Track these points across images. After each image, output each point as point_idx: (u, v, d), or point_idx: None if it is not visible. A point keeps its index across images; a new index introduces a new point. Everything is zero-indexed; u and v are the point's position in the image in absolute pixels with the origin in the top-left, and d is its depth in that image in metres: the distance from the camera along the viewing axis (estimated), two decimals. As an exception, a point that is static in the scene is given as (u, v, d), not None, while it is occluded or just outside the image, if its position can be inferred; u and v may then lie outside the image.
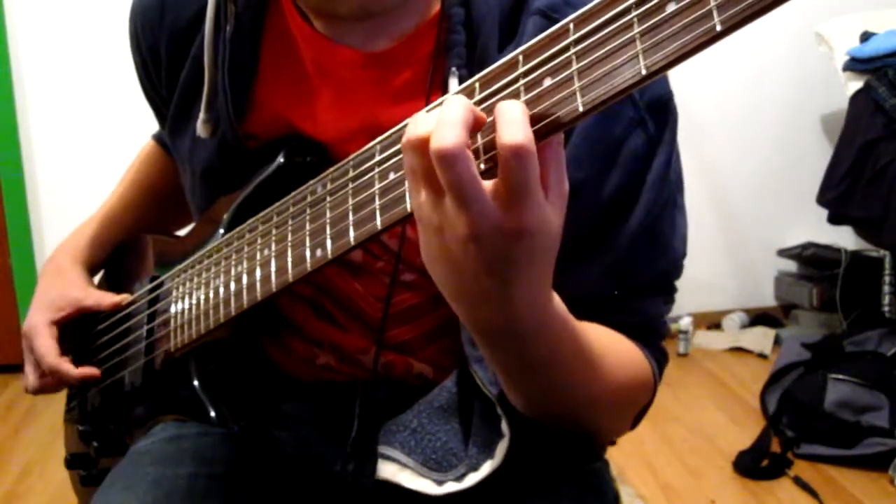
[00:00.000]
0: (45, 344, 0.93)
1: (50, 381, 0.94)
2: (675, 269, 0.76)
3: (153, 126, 0.96)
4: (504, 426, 0.72)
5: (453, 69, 0.70)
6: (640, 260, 0.73)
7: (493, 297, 0.54)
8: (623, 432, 0.80)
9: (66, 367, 0.93)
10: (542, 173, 0.50)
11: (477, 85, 0.52)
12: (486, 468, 0.73)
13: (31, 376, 0.95)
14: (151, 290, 0.89)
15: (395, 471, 0.77)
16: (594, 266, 0.72)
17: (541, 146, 0.49)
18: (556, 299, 0.60)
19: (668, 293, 0.77)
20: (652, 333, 0.76)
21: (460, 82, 0.69)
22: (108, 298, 0.94)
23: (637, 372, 0.73)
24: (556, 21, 0.69)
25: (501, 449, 0.72)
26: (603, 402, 0.71)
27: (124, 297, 0.93)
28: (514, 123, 0.46)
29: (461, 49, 0.70)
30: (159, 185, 1.05)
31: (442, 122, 0.47)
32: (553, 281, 0.67)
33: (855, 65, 2.50)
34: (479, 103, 0.52)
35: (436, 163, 0.47)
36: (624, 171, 0.70)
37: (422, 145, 0.48)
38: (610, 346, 0.70)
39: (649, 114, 0.70)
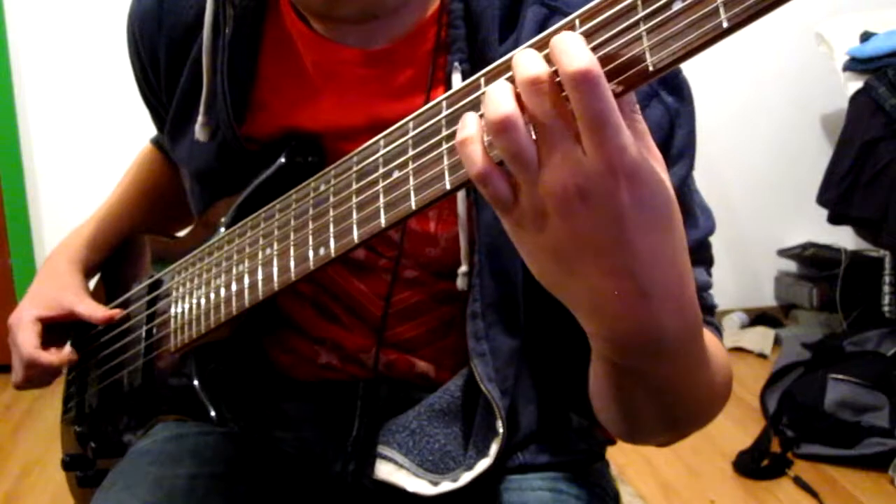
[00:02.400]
0: (25, 334, 0.93)
1: (34, 374, 0.94)
2: (709, 239, 0.73)
3: (152, 127, 0.96)
4: (499, 424, 0.72)
5: (455, 64, 0.69)
6: None
7: (620, 274, 0.47)
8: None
9: (43, 355, 0.92)
10: (643, 129, 0.46)
11: (482, 80, 0.52)
12: (480, 466, 0.73)
13: (15, 370, 0.95)
14: (150, 291, 0.89)
15: (391, 470, 0.77)
16: None
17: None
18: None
19: (708, 262, 0.74)
20: (705, 309, 0.70)
21: (463, 76, 0.69)
22: (101, 312, 0.93)
23: (726, 356, 0.68)
24: (556, 10, 0.69)
25: (495, 447, 0.73)
26: (711, 402, 0.65)
27: (117, 312, 0.93)
28: (571, 49, 0.43)
29: (462, 44, 0.70)
30: (156, 188, 1.04)
31: (564, 48, 0.43)
32: None
33: (855, 65, 2.51)
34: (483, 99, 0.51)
35: (575, 88, 0.42)
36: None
37: (544, 84, 0.44)
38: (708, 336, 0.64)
39: (661, 87, 0.69)
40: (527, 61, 0.44)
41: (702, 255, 0.74)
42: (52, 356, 0.93)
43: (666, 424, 0.63)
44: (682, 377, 0.55)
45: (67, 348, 0.95)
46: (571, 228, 0.45)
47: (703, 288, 0.73)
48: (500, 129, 0.44)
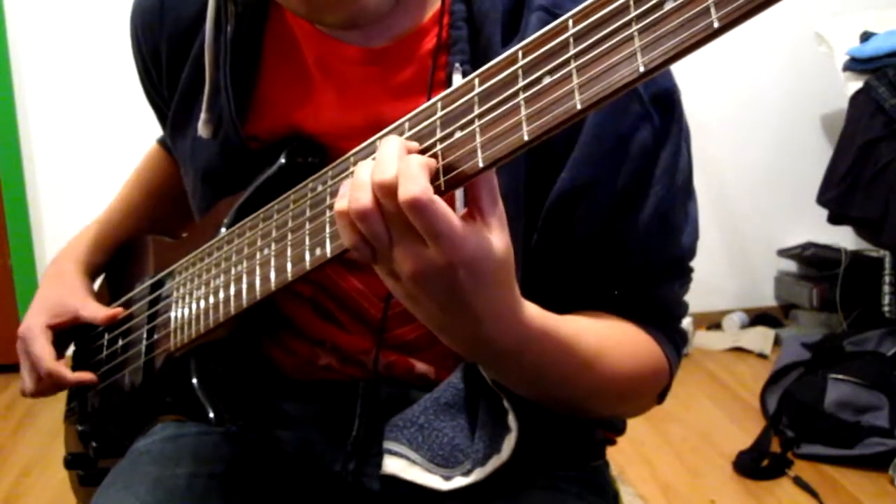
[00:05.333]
0: (42, 347, 0.93)
1: (46, 385, 0.94)
2: (689, 253, 0.77)
3: (153, 126, 0.96)
4: (511, 420, 0.73)
5: (456, 65, 0.70)
6: (653, 250, 0.73)
7: (459, 326, 0.59)
8: (644, 411, 0.82)
9: (63, 371, 0.93)
10: (475, 197, 0.55)
11: (476, 80, 0.52)
12: (493, 463, 0.73)
13: (27, 380, 0.95)
14: (152, 291, 0.89)
15: (403, 466, 0.77)
16: (608, 259, 0.73)
17: None
18: (532, 315, 0.63)
19: (683, 277, 0.78)
20: (668, 316, 0.77)
21: (464, 77, 0.69)
22: (104, 312, 0.94)
23: (645, 360, 0.75)
24: (558, 17, 0.70)
25: (509, 444, 0.73)
26: (608, 394, 0.74)
27: (119, 311, 0.93)
28: (409, 179, 0.51)
29: (464, 45, 0.70)
30: (162, 188, 1.05)
31: (404, 175, 0.51)
32: (568, 276, 0.70)
33: (855, 65, 2.50)
34: (479, 99, 0.52)
35: (408, 211, 0.51)
36: (633, 165, 0.70)
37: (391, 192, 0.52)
38: (613, 341, 0.72)
39: (654, 107, 0.70)
40: (383, 161, 0.53)
41: (677, 270, 0.77)
42: (71, 374, 0.94)
43: (550, 403, 0.74)
44: (532, 372, 0.66)
45: (88, 374, 0.95)
46: (417, 292, 0.56)
47: (671, 302, 0.78)
48: (358, 219, 0.53)
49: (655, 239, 0.73)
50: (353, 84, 0.75)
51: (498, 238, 0.55)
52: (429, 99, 0.71)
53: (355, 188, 0.53)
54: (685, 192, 0.75)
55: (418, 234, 0.53)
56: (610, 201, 0.71)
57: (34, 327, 0.95)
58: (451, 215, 0.52)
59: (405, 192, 0.51)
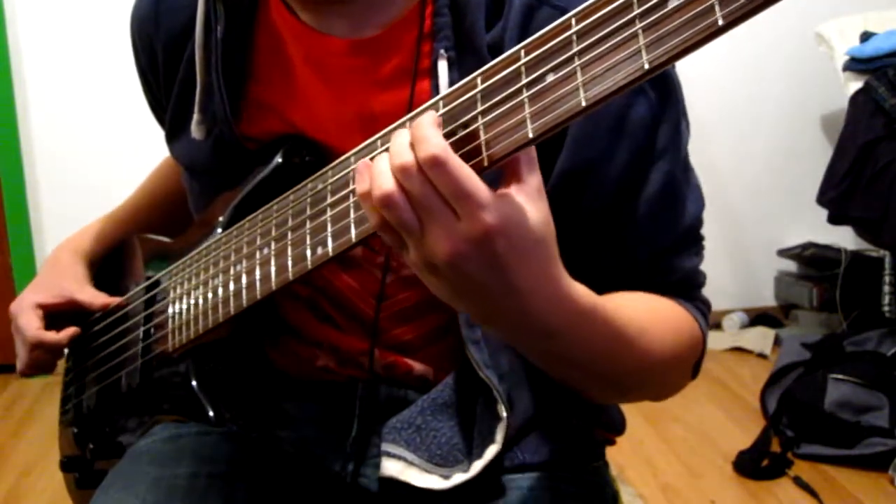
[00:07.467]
0: (27, 319, 0.94)
1: (40, 355, 0.94)
2: (699, 221, 0.76)
3: (152, 127, 0.96)
4: (501, 409, 0.72)
5: (441, 51, 0.70)
6: (664, 223, 0.73)
7: (506, 309, 0.56)
8: (681, 387, 0.80)
9: (47, 335, 0.93)
10: (514, 163, 0.53)
11: (479, 78, 0.52)
12: (489, 453, 0.73)
13: (20, 356, 0.95)
14: (148, 291, 0.89)
15: (401, 468, 0.77)
16: (621, 237, 0.73)
17: None
18: (579, 290, 0.60)
19: (697, 244, 0.77)
20: (690, 286, 0.77)
21: (449, 64, 0.69)
22: (102, 298, 0.94)
23: (684, 332, 0.74)
24: (543, 1, 0.70)
25: (501, 433, 0.73)
26: (653, 369, 0.72)
27: (116, 300, 0.93)
28: (424, 140, 0.51)
29: (448, 31, 0.70)
30: (168, 195, 1.04)
31: (418, 136, 0.51)
32: (585, 258, 0.69)
33: (855, 65, 2.50)
34: (482, 96, 0.52)
35: (429, 171, 0.50)
36: (633, 141, 0.70)
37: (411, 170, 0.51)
38: (651, 315, 0.71)
39: (650, 83, 0.70)
40: (396, 148, 0.52)
41: (688, 240, 0.76)
42: (56, 335, 0.94)
43: (594, 384, 0.72)
44: (581, 351, 0.64)
45: (71, 328, 0.95)
46: (458, 277, 0.54)
47: (691, 271, 0.77)
48: (383, 205, 0.52)
49: (664, 214, 0.73)
50: (340, 77, 0.75)
51: (535, 208, 0.54)
52: (413, 87, 0.71)
53: (376, 176, 0.53)
54: (686, 165, 0.75)
55: (448, 209, 0.51)
56: (614, 180, 0.70)
57: (23, 303, 0.95)
58: (475, 176, 0.51)
59: (423, 153, 0.50)
